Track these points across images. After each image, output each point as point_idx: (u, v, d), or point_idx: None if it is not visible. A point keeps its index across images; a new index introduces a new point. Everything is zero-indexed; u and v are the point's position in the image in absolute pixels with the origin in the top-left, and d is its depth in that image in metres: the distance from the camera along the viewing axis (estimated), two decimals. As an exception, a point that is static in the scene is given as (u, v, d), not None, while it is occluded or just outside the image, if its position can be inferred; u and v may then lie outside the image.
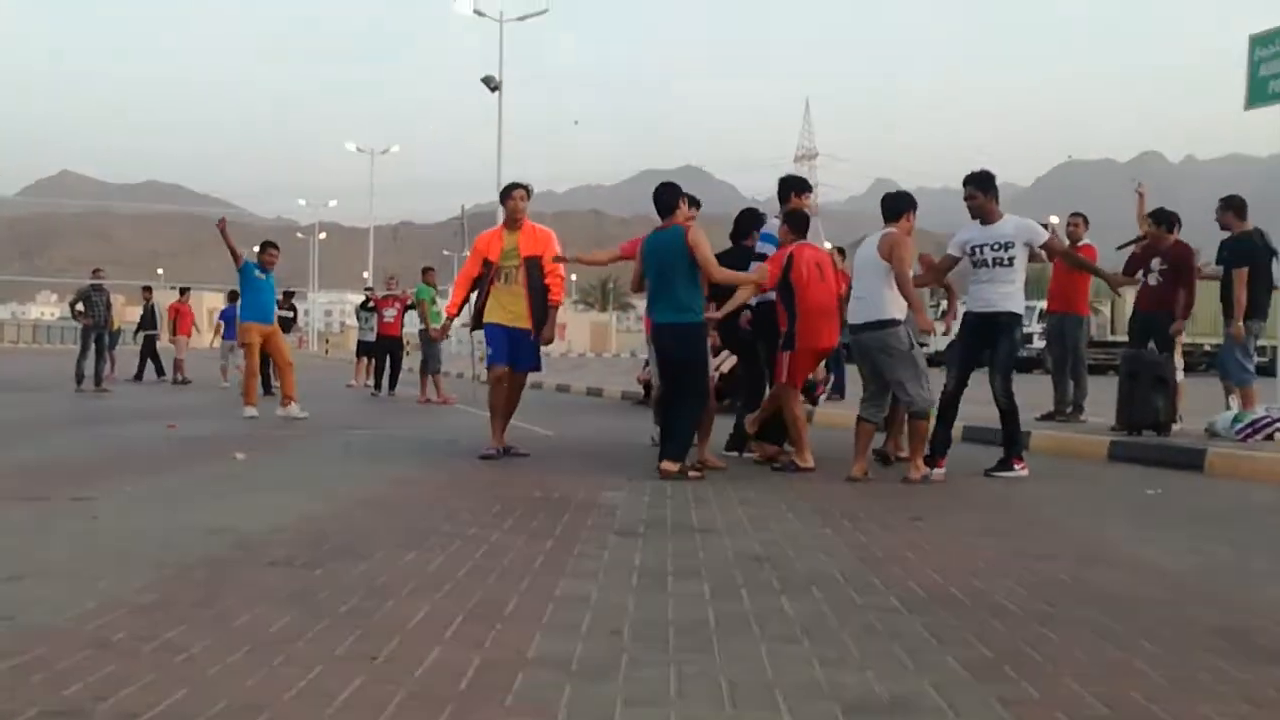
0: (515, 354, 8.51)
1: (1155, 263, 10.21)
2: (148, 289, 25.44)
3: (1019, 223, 7.82)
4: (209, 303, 66.20)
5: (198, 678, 2.87)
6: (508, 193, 8.61)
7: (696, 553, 4.74)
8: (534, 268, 8.40)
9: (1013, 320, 7.74)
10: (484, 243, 8.69)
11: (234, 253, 12.74)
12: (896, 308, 7.56)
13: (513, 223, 8.54)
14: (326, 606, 3.63)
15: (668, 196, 7.75)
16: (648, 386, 13.61)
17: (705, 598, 3.88)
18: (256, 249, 13.64)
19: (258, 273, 13.08)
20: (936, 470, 7.52)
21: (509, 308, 8.44)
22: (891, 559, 4.66)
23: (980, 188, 7.80)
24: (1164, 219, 10.36)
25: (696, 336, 7.56)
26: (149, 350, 23.17)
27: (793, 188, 8.59)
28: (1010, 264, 7.66)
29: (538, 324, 8.41)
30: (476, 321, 8.71)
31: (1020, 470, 7.70)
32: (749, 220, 8.95)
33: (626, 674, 2.96)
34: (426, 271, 18.15)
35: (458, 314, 9.15)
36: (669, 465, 7.31)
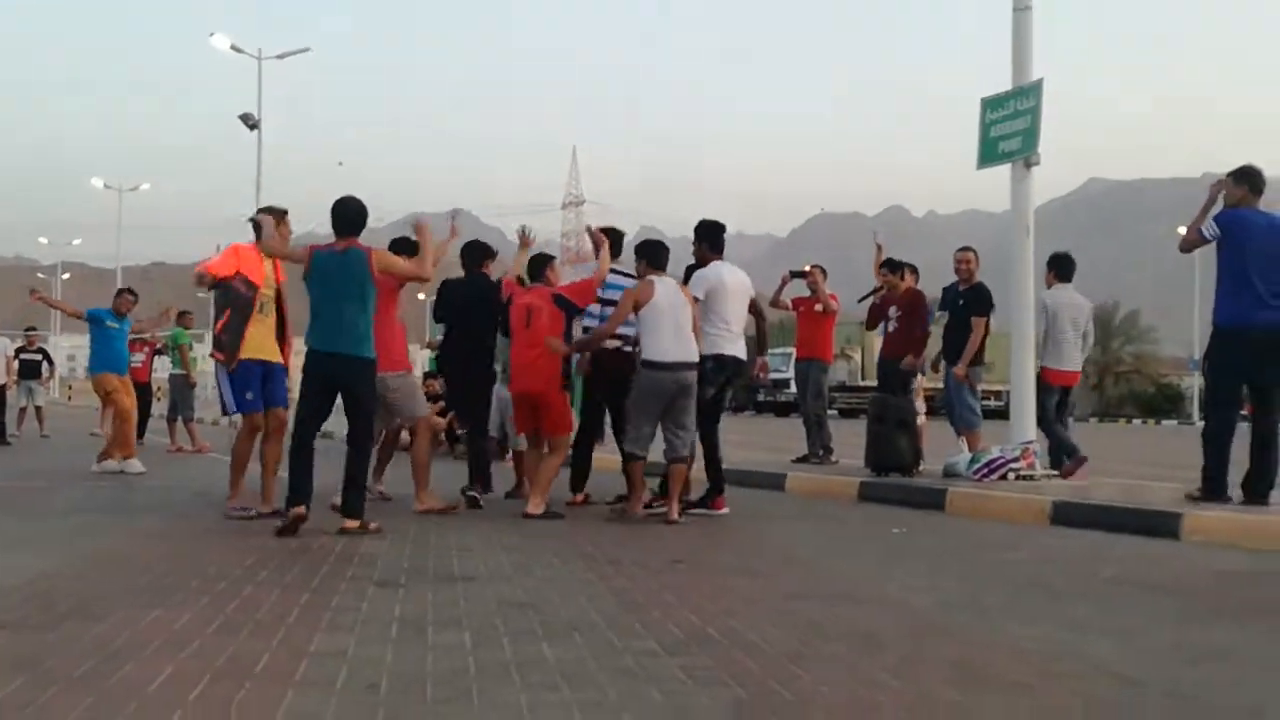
0: (273, 392, 7.85)
1: (892, 310, 10.87)
2: None
3: (696, 274, 8.23)
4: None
5: (-94, 755, 2.64)
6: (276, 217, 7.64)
7: (458, 601, 4.68)
8: (281, 299, 7.86)
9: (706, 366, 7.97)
10: (245, 258, 7.62)
11: (69, 312, 12.14)
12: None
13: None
14: (57, 672, 3.40)
15: (357, 212, 7.08)
16: (450, 431, 13.25)
17: (466, 647, 3.83)
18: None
19: (109, 322, 12.27)
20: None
21: (264, 342, 7.74)
22: (652, 602, 4.73)
23: (695, 237, 8.46)
24: (896, 267, 11.07)
25: (369, 370, 7.06)
26: None
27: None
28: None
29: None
30: (232, 354, 7.67)
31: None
32: (480, 253, 8.90)
33: (381, 729, 2.89)
34: (183, 315, 17.34)
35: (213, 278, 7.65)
36: (350, 523, 6.78)
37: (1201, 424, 8.64)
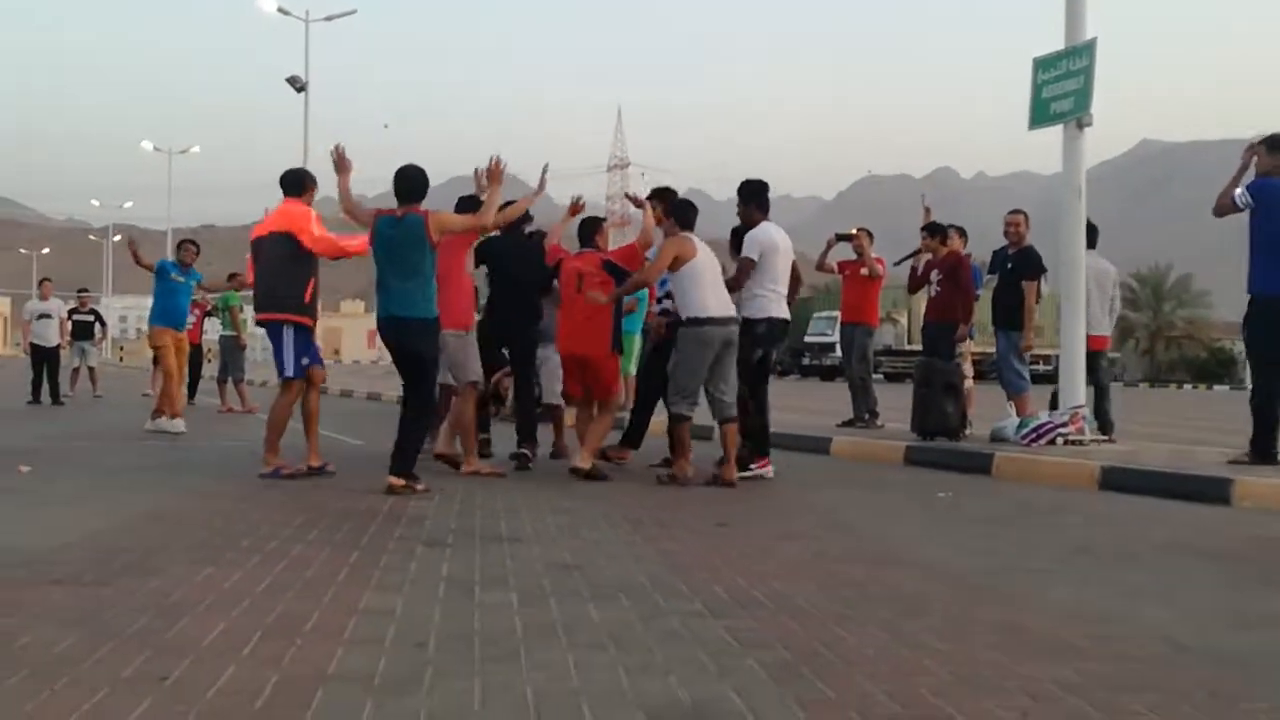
0: (315, 353, 7.97)
1: (934, 274, 10.72)
2: None
3: (747, 236, 8.14)
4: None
5: (-30, 706, 2.71)
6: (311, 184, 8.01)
7: (505, 562, 4.72)
8: None
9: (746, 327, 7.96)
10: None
11: (145, 265, 12.27)
12: None
13: None
14: (115, 626, 3.47)
15: (416, 179, 7.19)
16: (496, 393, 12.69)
17: (513, 607, 3.86)
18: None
19: (175, 274, 12.26)
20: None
21: None
22: (698, 565, 4.74)
23: (739, 197, 8.36)
24: (936, 230, 10.90)
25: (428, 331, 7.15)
26: None
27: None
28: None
29: None
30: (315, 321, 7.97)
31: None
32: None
33: (430, 687, 2.93)
34: (233, 277, 17.45)
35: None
36: (395, 480, 6.87)
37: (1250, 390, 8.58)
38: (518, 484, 7.60)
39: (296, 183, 7.92)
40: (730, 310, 7.71)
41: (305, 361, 7.76)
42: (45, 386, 17.99)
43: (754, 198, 8.35)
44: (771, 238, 8.10)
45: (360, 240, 7.59)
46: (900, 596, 4.20)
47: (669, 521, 6.01)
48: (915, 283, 11.35)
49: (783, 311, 8.14)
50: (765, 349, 8.13)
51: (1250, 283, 8.04)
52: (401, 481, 6.85)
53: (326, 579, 4.28)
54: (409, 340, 7.11)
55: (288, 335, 7.69)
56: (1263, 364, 8.24)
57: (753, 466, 8.05)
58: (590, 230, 8.49)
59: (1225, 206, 8.07)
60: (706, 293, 7.65)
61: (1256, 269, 7.99)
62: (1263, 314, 8.02)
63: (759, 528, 6.02)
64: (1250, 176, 8.09)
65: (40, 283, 20.39)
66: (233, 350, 16.89)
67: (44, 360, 18.44)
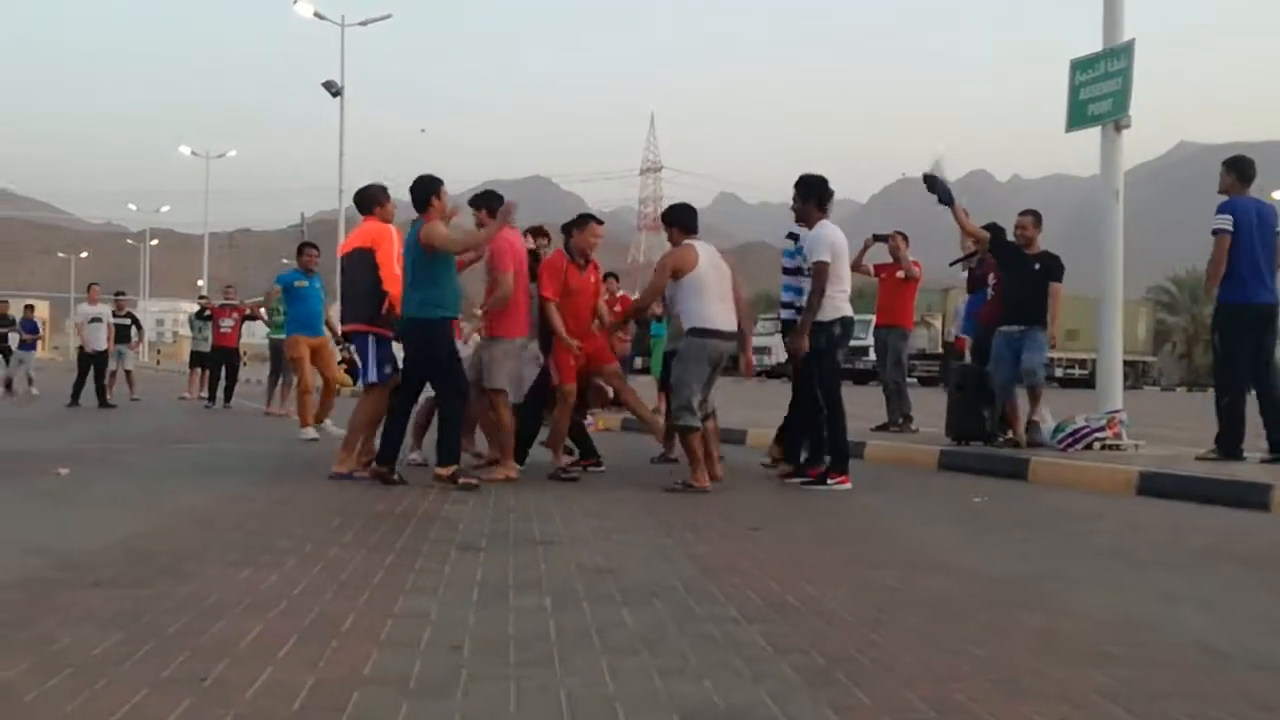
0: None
1: (990, 277, 10.55)
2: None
3: (812, 236, 7.94)
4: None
5: (13, 704, 2.74)
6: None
7: (539, 565, 4.73)
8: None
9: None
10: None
11: (268, 303, 12.37)
12: None
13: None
14: (153, 627, 3.51)
15: (423, 191, 7.63)
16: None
17: (547, 611, 3.87)
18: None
19: (298, 282, 12.28)
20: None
21: None
22: (731, 569, 4.74)
23: (798, 192, 8.13)
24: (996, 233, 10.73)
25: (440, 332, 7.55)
26: None
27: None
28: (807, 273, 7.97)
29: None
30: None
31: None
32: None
33: (465, 690, 2.94)
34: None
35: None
36: (441, 470, 7.37)
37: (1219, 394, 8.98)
38: (550, 488, 7.61)
39: (366, 201, 8.30)
40: (733, 324, 7.66)
41: (389, 370, 8.06)
42: (84, 389, 18.19)
43: (813, 194, 8.05)
44: (839, 237, 7.88)
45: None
46: (935, 602, 4.18)
47: (701, 525, 6.01)
48: (975, 283, 11.19)
49: (849, 310, 7.93)
50: (843, 349, 7.93)
51: (1225, 293, 8.70)
52: (448, 472, 7.26)
53: (362, 581, 4.30)
54: (408, 339, 7.60)
55: (370, 345, 8.01)
56: (1233, 367, 8.77)
57: (830, 481, 7.79)
58: (570, 228, 8.47)
59: (1219, 258, 8.63)
60: (710, 302, 7.58)
61: (1230, 280, 8.64)
62: (1234, 321, 8.70)
63: (792, 532, 6.01)
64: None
65: (88, 287, 20.60)
66: (281, 353, 16.95)
67: (90, 364, 18.65)
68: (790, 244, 8.38)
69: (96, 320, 19.29)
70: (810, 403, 8.01)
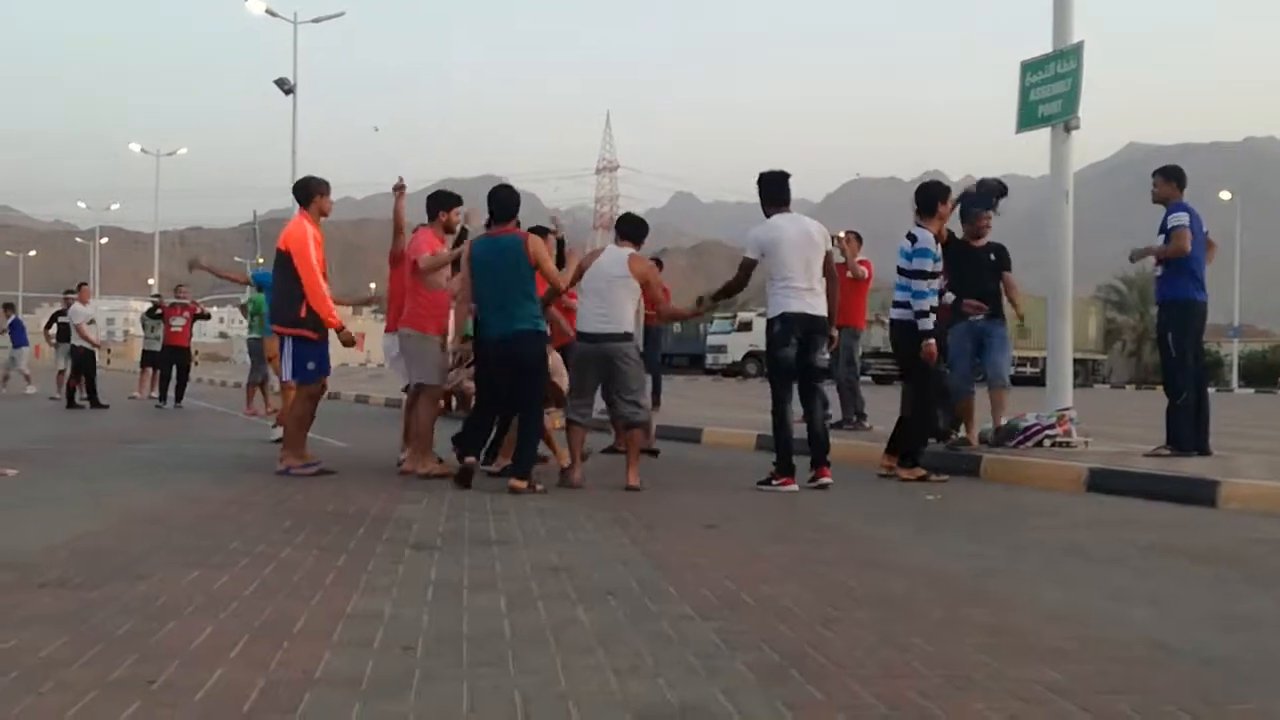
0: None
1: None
2: None
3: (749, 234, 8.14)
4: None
5: (-44, 710, 2.70)
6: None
7: (493, 565, 4.72)
8: None
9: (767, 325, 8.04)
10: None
11: (232, 279, 12.23)
12: (631, 323, 7.83)
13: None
14: (102, 629, 3.46)
15: (508, 200, 7.63)
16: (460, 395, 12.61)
17: (501, 610, 3.86)
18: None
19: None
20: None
21: None
22: (686, 567, 4.75)
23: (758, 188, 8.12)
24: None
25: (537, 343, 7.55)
26: None
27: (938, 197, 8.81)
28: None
29: None
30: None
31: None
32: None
33: (418, 690, 2.93)
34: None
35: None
36: (518, 483, 7.22)
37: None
38: (505, 487, 7.58)
39: (304, 193, 8.28)
40: (608, 326, 7.61)
41: (311, 367, 8.13)
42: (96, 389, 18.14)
43: (762, 193, 8.01)
44: (773, 233, 7.76)
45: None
46: (888, 599, 4.21)
47: (656, 524, 6.01)
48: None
49: (803, 306, 7.70)
50: (788, 348, 7.75)
51: (1179, 290, 8.94)
52: (524, 484, 7.20)
53: (314, 582, 4.27)
54: (518, 352, 7.40)
55: (288, 345, 8.16)
56: (1190, 361, 9.04)
57: (818, 476, 7.83)
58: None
59: (1181, 249, 8.86)
60: (585, 306, 7.82)
61: (1179, 279, 8.94)
62: (1186, 318, 8.96)
63: (746, 530, 6.03)
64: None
65: (79, 286, 20.28)
66: (261, 353, 16.67)
67: (84, 364, 18.47)
68: (908, 245, 8.48)
69: (90, 321, 19.27)
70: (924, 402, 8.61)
